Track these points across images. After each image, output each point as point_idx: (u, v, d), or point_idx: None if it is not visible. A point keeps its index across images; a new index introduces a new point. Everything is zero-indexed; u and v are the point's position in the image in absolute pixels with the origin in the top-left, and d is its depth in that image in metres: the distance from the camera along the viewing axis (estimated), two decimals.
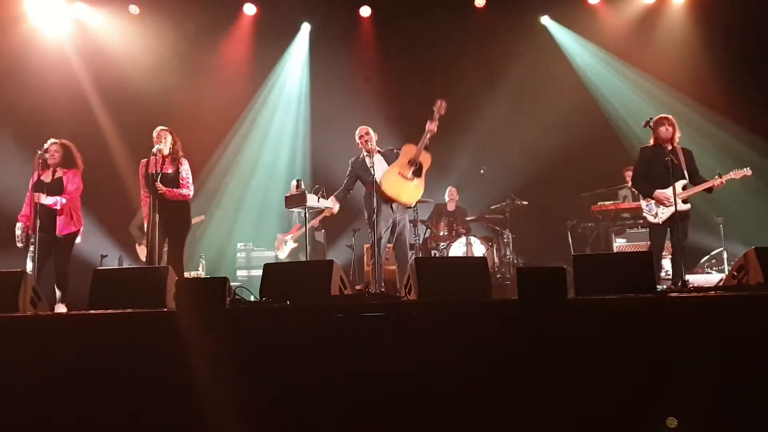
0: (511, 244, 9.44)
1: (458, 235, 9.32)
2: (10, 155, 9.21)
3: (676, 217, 6.36)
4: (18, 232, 6.74)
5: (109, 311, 4.45)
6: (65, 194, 6.73)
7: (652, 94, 10.37)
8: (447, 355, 3.96)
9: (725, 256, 8.98)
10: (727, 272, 6.66)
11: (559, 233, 10.05)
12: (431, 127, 6.99)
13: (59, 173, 6.81)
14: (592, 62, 10.81)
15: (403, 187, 7.00)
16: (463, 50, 11.02)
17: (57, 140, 6.92)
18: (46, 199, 6.61)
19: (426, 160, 7.04)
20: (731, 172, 6.63)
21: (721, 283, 5.54)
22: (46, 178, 6.78)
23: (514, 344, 3.94)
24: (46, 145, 6.85)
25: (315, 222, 9.18)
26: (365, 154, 7.12)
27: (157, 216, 6.46)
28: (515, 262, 9.25)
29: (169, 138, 6.80)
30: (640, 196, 6.92)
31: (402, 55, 11.05)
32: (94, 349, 4.11)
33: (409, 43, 11.06)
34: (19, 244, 6.76)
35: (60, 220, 6.71)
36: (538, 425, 3.78)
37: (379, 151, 7.18)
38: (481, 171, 9.65)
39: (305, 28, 11.28)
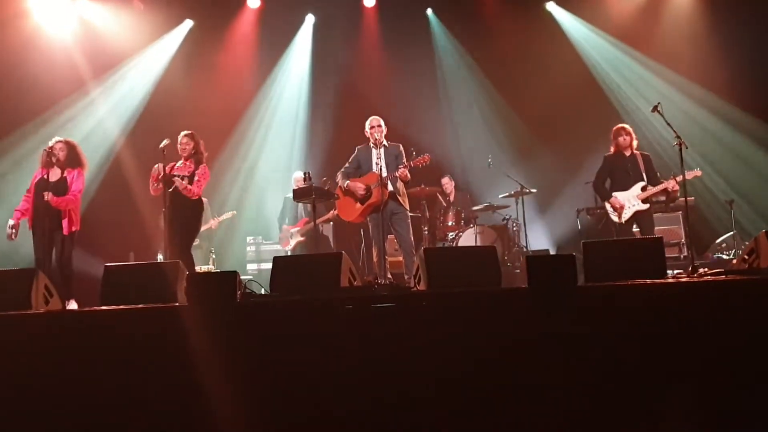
0: (520, 233, 9.42)
1: (467, 223, 9.30)
2: (14, 152, 9.25)
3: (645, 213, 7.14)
4: (9, 229, 6.70)
5: (121, 307, 4.47)
6: (70, 193, 6.76)
7: (660, 80, 10.30)
8: (458, 344, 3.96)
9: (736, 240, 8.93)
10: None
11: (568, 220, 10.03)
12: (402, 172, 6.98)
13: (64, 172, 6.83)
14: (598, 48, 10.73)
15: (348, 207, 7.27)
16: (468, 39, 10.98)
17: (62, 138, 6.95)
18: (56, 201, 6.66)
19: (377, 194, 6.97)
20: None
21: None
22: (52, 177, 6.79)
23: (524, 332, 3.94)
24: (51, 143, 6.87)
25: (331, 215, 9.17)
26: (372, 144, 7.13)
27: (170, 212, 6.78)
28: (525, 250, 9.22)
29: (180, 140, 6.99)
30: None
31: (406, 45, 11.00)
32: (106, 345, 4.14)
33: (413, 34, 11.02)
34: (10, 237, 6.74)
35: (65, 221, 6.73)
36: (550, 413, 3.78)
37: (384, 145, 7.17)
38: (488, 161, 9.62)
39: (309, 20, 11.25)
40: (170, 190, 6.76)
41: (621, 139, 7.24)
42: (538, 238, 10.48)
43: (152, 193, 7.00)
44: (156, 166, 6.87)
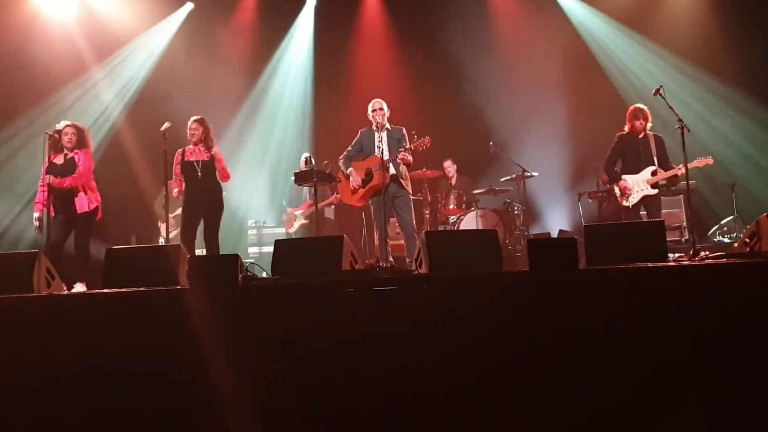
0: (521, 216, 9.41)
1: (469, 206, 9.30)
2: (14, 137, 9.24)
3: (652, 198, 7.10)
4: (35, 221, 6.79)
5: (123, 290, 4.48)
6: (77, 173, 6.77)
7: (661, 62, 10.25)
8: (459, 327, 3.97)
9: (737, 223, 8.91)
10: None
11: (569, 204, 10.03)
12: (403, 156, 6.96)
13: (70, 154, 6.84)
14: (599, 30, 10.66)
15: (350, 190, 7.28)
16: (470, 23, 10.92)
17: (71, 122, 6.96)
18: (60, 181, 6.68)
19: (379, 177, 6.97)
20: (695, 161, 6.98)
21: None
22: (59, 160, 6.82)
23: (526, 315, 3.95)
24: (59, 126, 6.88)
25: (334, 199, 9.17)
26: (374, 127, 7.11)
27: (195, 200, 7.04)
28: (526, 233, 9.22)
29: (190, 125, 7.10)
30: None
31: (408, 29, 10.95)
32: (108, 328, 4.16)
33: (415, 18, 10.97)
34: (36, 230, 6.81)
35: (77, 200, 6.77)
36: (551, 396, 3.80)
37: (387, 129, 7.16)
38: (491, 145, 9.61)
39: (311, 2, 11.18)
40: (199, 177, 6.94)
41: (638, 122, 7.14)
42: (542, 222, 10.48)
43: (179, 189, 7.09)
44: (176, 157, 7.01)
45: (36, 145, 7.20)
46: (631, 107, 7.30)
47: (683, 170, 6.78)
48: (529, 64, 10.55)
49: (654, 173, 7.09)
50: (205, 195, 7.03)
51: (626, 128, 7.27)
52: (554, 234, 9.82)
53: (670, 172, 7.03)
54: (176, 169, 7.10)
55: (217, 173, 7.08)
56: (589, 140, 9.82)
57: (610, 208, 8.13)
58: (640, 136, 7.18)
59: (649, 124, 7.19)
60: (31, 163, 8.37)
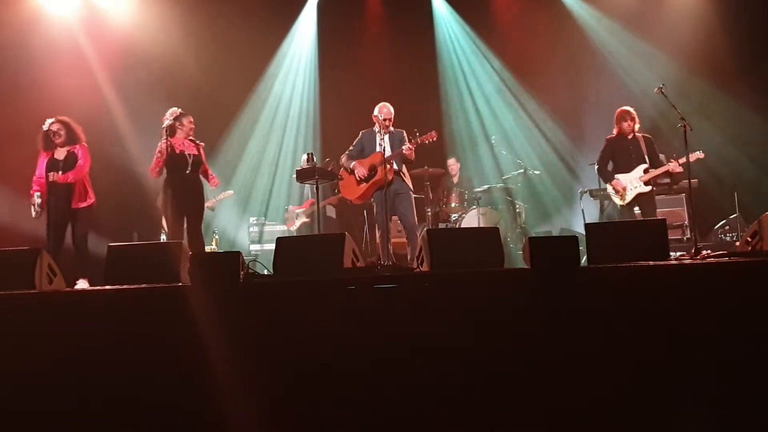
0: (523, 214, 9.41)
1: (471, 204, 9.30)
2: (17, 133, 9.21)
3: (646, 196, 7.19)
4: (38, 200, 6.74)
5: (124, 286, 4.49)
6: (78, 168, 6.79)
7: (664, 63, 10.22)
8: (460, 325, 3.97)
9: (739, 222, 8.90)
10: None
11: (571, 202, 10.02)
12: (406, 150, 6.95)
13: (69, 149, 6.87)
14: (603, 27, 10.64)
15: (352, 186, 7.30)
16: (474, 22, 10.91)
17: (55, 119, 6.96)
18: (63, 176, 6.70)
19: (382, 172, 6.95)
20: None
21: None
22: (59, 155, 6.84)
23: (527, 314, 3.95)
24: (45, 127, 6.89)
25: (334, 199, 9.17)
26: (377, 130, 7.10)
27: (183, 193, 6.95)
28: (528, 231, 9.22)
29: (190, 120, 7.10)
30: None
31: (411, 28, 10.94)
32: (109, 325, 4.16)
33: (417, 14, 10.96)
34: (35, 215, 6.79)
35: (76, 195, 6.79)
36: (552, 393, 3.80)
37: (389, 131, 7.16)
38: (492, 140, 9.60)
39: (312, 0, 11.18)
40: (187, 171, 6.89)
41: (625, 124, 7.25)
42: (542, 220, 10.47)
43: (155, 176, 7.06)
44: (161, 145, 6.89)
45: (33, 139, 7.17)
46: (618, 110, 7.40)
47: (674, 165, 6.98)
48: (532, 62, 10.54)
49: (646, 171, 7.18)
50: (194, 192, 7.04)
51: (614, 131, 7.39)
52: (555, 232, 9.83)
53: (662, 169, 7.13)
54: (162, 156, 6.94)
55: (202, 171, 7.12)
56: (593, 139, 9.81)
57: (612, 206, 8.15)
58: (629, 137, 7.29)
59: (636, 126, 7.31)
60: (28, 158, 8.34)
